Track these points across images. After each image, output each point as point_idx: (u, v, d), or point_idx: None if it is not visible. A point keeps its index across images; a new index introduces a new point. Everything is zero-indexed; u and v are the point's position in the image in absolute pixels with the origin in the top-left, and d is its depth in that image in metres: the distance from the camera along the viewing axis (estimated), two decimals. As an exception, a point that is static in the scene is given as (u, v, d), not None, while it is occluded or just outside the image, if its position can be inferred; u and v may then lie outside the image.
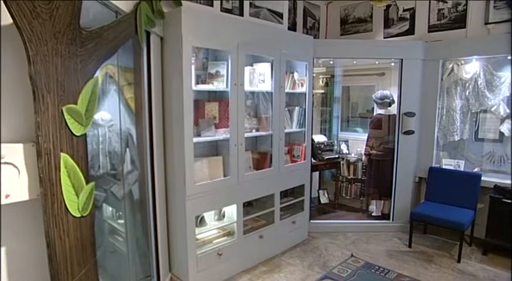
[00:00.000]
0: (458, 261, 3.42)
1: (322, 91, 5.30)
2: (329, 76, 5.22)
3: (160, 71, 2.76)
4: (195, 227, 2.82)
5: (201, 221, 3.02)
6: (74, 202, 1.63)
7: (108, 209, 2.92)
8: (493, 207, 3.51)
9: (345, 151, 4.90)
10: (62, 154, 1.57)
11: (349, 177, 4.79)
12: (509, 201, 3.40)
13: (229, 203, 3.06)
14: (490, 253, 3.56)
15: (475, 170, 3.90)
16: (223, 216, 3.21)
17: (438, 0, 4.07)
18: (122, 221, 2.84)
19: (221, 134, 2.96)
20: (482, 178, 3.69)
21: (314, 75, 4.89)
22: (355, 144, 4.95)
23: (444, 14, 4.07)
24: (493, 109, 3.78)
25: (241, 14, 3.67)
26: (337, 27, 4.99)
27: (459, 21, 3.96)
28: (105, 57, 1.81)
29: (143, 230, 2.84)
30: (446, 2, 4.02)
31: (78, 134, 1.64)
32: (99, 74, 2.53)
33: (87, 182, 1.71)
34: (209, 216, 3.13)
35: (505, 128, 3.72)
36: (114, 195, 2.77)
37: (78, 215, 1.65)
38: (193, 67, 2.73)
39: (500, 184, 3.58)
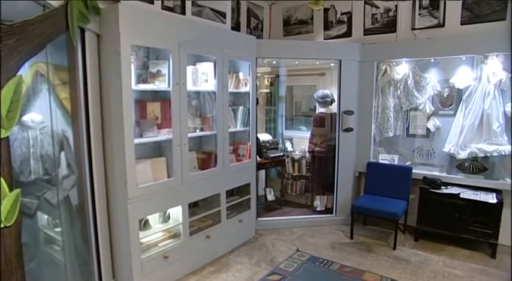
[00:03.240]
0: (394, 248, 3.67)
1: (268, 91, 5.40)
2: (274, 76, 5.33)
3: (98, 70, 2.63)
4: (138, 230, 2.74)
5: (145, 225, 2.94)
6: (-5, 212, 1.51)
7: (42, 217, 2.74)
8: (423, 197, 3.82)
9: (289, 148, 5.03)
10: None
11: (294, 174, 4.92)
12: (436, 191, 3.72)
13: (174, 204, 3.01)
14: (420, 239, 3.87)
15: (407, 163, 4.21)
16: (168, 218, 3.15)
17: (371, 5, 4.34)
18: (58, 229, 2.68)
19: (164, 135, 2.90)
20: (413, 171, 4.00)
21: (259, 75, 4.98)
22: (299, 142, 5.11)
23: (377, 19, 4.35)
24: (420, 107, 4.11)
25: (183, 12, 3.62)
26: (280, 28, 5.11)
27: (390, 25, 4.26)
28: (31, 54, 1.69)
29: (83, 237, 2.71)
30: (379, 8, 4.30)
31: (-1, 138, 1.52)
32: (28, 72, 2.37)
33: (11, 189, 1.58)
34: (153, 219, 3.06)
35: (431, 124, 4.06)
36: (48, 202, 2.60)
37: (1, 225, 1.52)
38: (133, 66, 2.65)
39: (428, 175, 3.91)
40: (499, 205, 3.41)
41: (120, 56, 2.44)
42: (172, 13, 3.48)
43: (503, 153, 3.59)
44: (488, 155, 3.67)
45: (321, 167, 4.52)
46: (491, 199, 3.46)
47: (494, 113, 3.60)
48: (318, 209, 4.61)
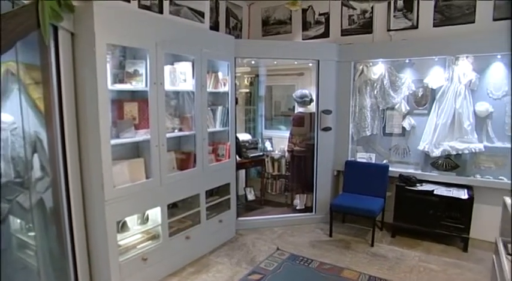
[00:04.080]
0: (372, 245, 3.75)
1: (247, 90, 5.41)
2: (253, 76, 5.35)
3: (72, 69, 2.56)
4: (116, 233, 2.69)
5: (122, 227, 2.88)
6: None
7: (15, 222, 2.65)
8: (399, 194, 3.91)
9: (269, 148, 5.06)
10: None
11: (273, 173, 4.95)
12: (411, 188, 3.83)
13: (152, 205, 2.97)
14: (397, 235, 3.97)
15: (384, 162, 4.31)
16: (147, 219, 3.11)
17: (348, 7, 4.42)
18: (32, 234, 2.60)
19: (142, 135, 2.86)
20: (390, 169, 4.10)
21: (239, 74, 4.98)
22: (279, 141, 5.14)
23: (354, 20, 4.43)
24: (396, 107, 4.22)
25: (161, 11, 3.58)
26: (259, 28, 5.13)
27: (367, 27, 4.34)
28: None
29: (58, 241, 2.63)
30: (355, 9, 4.38)
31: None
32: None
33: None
34: (132, 220, 3.01)
35: (406, 123, 4.17)
36: (20, 205, 2.52)
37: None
38: (108, 65, 2.60)
39: (404, 173, 4.02)
40: (470, 200, 3.54)
41: (96, 55, 2.39)
42: (149, 12, 3.43)
43: (473, 150, 3.73)
44: (460, 152, 3.80)
45: (300, 166, 4.57)
46: (463, 195, 3.59)
47: (465, 112, 3.74)
48: (297, 208, 4.65)
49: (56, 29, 2.37)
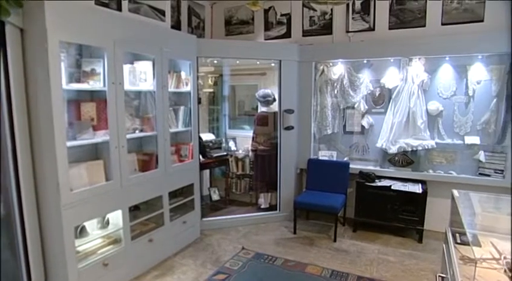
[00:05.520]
0: (335, 240, 3.86)
1: (211, 90, 5.38)
2: (217, 75, 5.33)
3: (23, 68, 2.43)
4: (74, 239, 2.58)
5: (81, 232, 2.77)
6: None
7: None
8: (359, 190, 4.07)
9: (233, 148, 5.07)
10: None
11: (238, 173, 4.97)
12: (371, 184, 3.99)
13: (113, 209, 2.88)
14: (358, 230, 4.12)
15: (345, 159, 4.45)
16: (108, 223, 3.01)
17: (309, 8, 4.52)
18: (-20, 243, 2.44)
19: (100, 137, 2.76)
20: (351, 166, 4.23)
21: (203, 74, 4.95)
22: (243, 141, 5.16)
23: (315, 21, 4.54)
24: (356, 106, 4.37)
25: (119, 9, 3.48)
26: (222, 27, 5.12)
27: (327, 28, 4.46)
28: None
29: (10, 251, 2.49)
30: (316, 10, 4.49)
31: None
32: None
33: None
34: (91, 225, 2.90)
35: (365, 122, 4.34)
36: (-34, 213, 2.36)
37: None
38: (63, 64, 2.49)
39: (363, 169, 4.17)
40: (424, 194, 3.75)
41: (48, 53, 2.28)
42: (107, 9, 3.32)
43: (426, 147, 3.95)
44: (415, 149, 4.01)
45: (264, 165, 4.61)
46: (418, 189, 3.79)
47: (418, 111, 3.95)
48: (262, 206, 4.69)
49: (2, 25, 2.23)
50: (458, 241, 1.94)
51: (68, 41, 2.53)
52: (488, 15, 3.65)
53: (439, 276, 1.99)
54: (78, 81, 2.74)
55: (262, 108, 4.70)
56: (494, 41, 3.47)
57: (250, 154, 4.78)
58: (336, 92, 4.44)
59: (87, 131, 2.71)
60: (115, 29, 2.76)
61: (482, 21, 3.69)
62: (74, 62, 2.77)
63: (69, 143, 2.50)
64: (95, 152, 2.91)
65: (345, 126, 4.53)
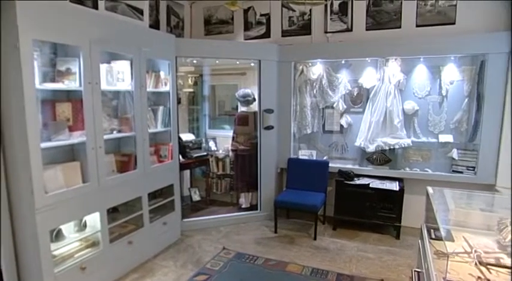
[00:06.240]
0: (315, 238, 3.91)
1: (191, 90, 5.35)
2: (197, 75, 5.30)
3: (-6, 67, 2.35)
4: (50, 242, 2.51)
5: (57, 235, 2.70)
6: None
7: None
8: (338, 188, 4.13)
9: (213, 148, 5.05)
10: None
11: (218, 173, 4.95)
12: (350, 182, 4.06)
13: (90, 211, 2.82)
14: (338, 228, 4.19)
15: (324, 158, 4.52)
16: (85, 226, 2.94)
17: (288, 8, 4.55)
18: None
19: (77, 137, 2.69)
20: (330, 165, 4.30)
21: (183, 74, 4.91)
22: (223, 141, 5.15)
23: (294, 21, 4.58)
24: (334, 105, 4.43)
25: (96, 7, 3.40)
26: (202, 27, 5.09)
27: (306, 28, 4.51)
28: None
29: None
30: (295, 11, 4.53)
31: None
32: None
33: None
34: (68, 228, 2.82)
35: (343, 121, 4.41)
36: None
37: None
38: (36, 63, 2.42)
39: (342, 168, 4.24)
40: (401, 191, 3.84)
41: (20, 52, 2.21)
42: (82, 7, 3.24)
43: (403, 145, 4.05)
44: (392, 147, 4.10)
45: (245, 165, 4.62)
46: (395, 187, 3.89)
47: (395, 110, 4.05)
48: (243, 206, 4.69)
49: (-29, 22, 2.15)
50: (433, 237, 2.00)
51: (42, 40, 2.46)
52: (460, 18, 3.78)
53: (415, 271, 2.05)
54: (53, 80, 2.67)
55: (242, 108, 4.70)
56: (466, 42, 3.61)
57: (231, 153, 4.77)
58: (315, 91, 4.50)
59: (62, 132, 2.64)
60: (91, 27, 2.70)
61: (454, 23, 3.81)
62: (48, 61, 2.69)
63: (44, 144, 2.43)
64: (71, 154, 2.84)
65: (324, 125, 4.59)
